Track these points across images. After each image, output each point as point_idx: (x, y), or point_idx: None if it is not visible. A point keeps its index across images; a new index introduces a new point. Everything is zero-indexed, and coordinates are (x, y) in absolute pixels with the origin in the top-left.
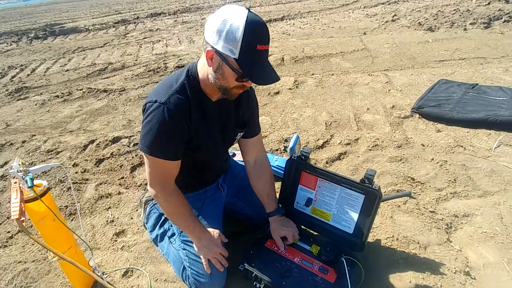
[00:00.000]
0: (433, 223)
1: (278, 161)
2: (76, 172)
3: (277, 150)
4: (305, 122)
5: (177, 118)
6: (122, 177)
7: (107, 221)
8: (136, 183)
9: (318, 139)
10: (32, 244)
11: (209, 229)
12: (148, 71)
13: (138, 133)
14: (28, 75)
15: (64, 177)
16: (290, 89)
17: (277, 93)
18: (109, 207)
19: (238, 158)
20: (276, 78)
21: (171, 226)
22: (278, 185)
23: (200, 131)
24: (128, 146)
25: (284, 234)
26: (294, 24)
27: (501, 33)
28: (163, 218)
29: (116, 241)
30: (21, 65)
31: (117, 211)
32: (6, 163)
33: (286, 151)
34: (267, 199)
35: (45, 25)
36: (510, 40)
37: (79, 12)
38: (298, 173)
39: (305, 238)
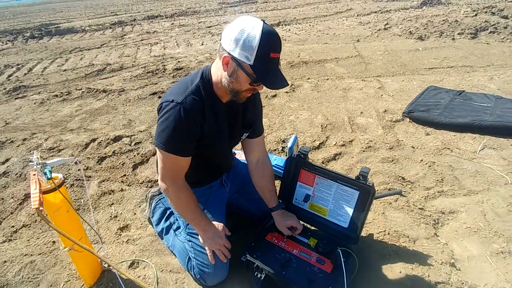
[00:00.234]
0: (422, 219)
1: (277, 160)
2: (79, 170)
3: (275, 150)
4: (302, 124)
5: (192, 118)
6: (124, 175)
7: (110, 216)
8: (138, 181)
9: (315, 140)
10: (37, 238)
11: (214, 222)
12: (147, 72)
13: (139, 133)
14: (25, 74)
15: (67, 174)
16: (287, 92)
17: (275, 96)
18: (112, 203)
19: (237, 157)
20: (286, 83)
21: (176, 220)
22: (277, 183)
23: (211, 130)
24: (130, 145)
25: (290, 224)
26: (290, 30)
27: (487, 43)
28: (168, 212)
29: (120, 235)
30: (18, 64)
31: (120, 207)
32: (7, 160)
33: (284, 151)
34: (269, 195)
35: (40, 24)
36: (495, 50)
37: (74, 13)
38: (297, 171)
39: (303, 231)
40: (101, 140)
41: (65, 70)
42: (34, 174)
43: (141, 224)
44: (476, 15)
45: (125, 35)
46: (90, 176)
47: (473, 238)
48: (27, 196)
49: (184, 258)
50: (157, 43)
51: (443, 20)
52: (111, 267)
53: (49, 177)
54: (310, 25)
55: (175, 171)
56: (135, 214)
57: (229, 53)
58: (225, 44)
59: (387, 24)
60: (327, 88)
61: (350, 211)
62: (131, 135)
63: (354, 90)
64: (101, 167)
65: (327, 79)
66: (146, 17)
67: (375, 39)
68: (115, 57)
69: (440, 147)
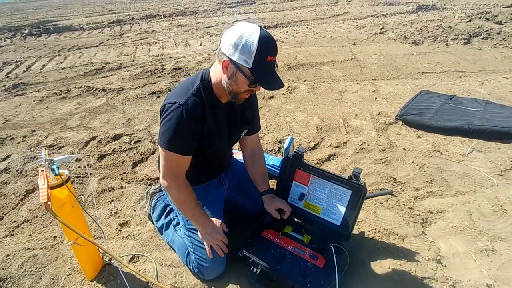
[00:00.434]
0: (411, 218)
1: (273, 160)
2: (79, 167)
3: (271, 150)
4: (298, 125)
5: (193, 118)
6: (124, 172)
7: (110, 212)
8: (138, 178)
9: (310, 141)
10: (39, 233)
11: (212, 219)
12: (146, 72)
13: (138, 132)
14: (24, 71)
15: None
16: (283, 94)
17: (272, 97)
18: (112, 200)
19: (235, 156)
20: (282, 85)
21: (176, 216)
22: (272, 182)
23: (211, 129)
24: (129, 144)
25: (279, 206)
26: (287, 32)
27: (480, 49)
28: (168, 209)
29: (120, 231)
30: (16, 62)
31: (120, 204)
32: (8, 156)
33: (280, 152)
34: (262, 179)
35: (38, 22)
36: (487, 56)
37: (72, 10)
38: (293, 171)
39: (298, 229)
40: (101, 138)
41: (64, 68)
42: (42, 170)
43: (141, 220)
44: (470, 20)
45: (123, 34)
46: (90, 174)
47: (459, 237)
48: (28, 192)
49: (183, 252)
50: (156, 42)
51: (437, 25)
52: (112, 260)
53: (57, 173)
54: (307, 27)
55: (176, 169)
56: (134, 210)
57: (228, 57)
58: (225, 48)
59: (383, 28)
60: (323, 90)
61: (342, 209)
62: (131, 134)
63: (349, 93)
64: (101, 165)
65: (323, 82)
66: (144, 16)
67: (371, 42)
68: (114, 56)
69: (431, 149)
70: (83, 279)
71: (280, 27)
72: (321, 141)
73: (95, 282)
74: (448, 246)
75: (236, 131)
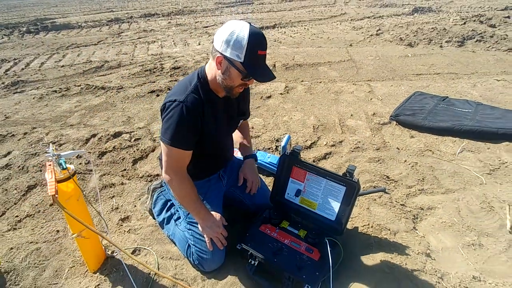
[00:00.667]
0: (403, 214)
1: (271, 158)
2: (80, 164)
3: (269, 148)
4: (295, 124)
5: (193, 114)
6: (125, 169)
7: (112, 208)
8: (138, 175)
9: (307, 140)
10: (42, 227)
11: (212, 213)
12: (145, 70)
13: (138, 129)
14: (23, 69)
15: None
16: (281, 94)
17: (269, 97)
18: (113, 196)
19: (234, 154)
20: (273, 77)
21: (177, 211)
22: (270, 179)
23: (210, 123)
24: (129, 141)
25: (248, 177)
26: (285, 32)
27: (473, 51)
28: (169, 204)
29: (122, 225)
30: (14, 59)
31: (121, 200)
32: (9, 153)
33: (278, 150)
34: (247, 144)
35: (35, 19)
36: (480, 59)
37: (69, 8)
38: (289, 168)
39: (294, 223)
40: (101, 136)
41: (62, 66)
42: (50, 165)
43: (141, 215)
44: (464, 23)
45: (122, 32)
46: (91, 170)
47: (448, 232)
48: (30, 188)
49: (184, 245)
50: (154, 41)
51: (432, 28)
52: (115, 253)
53: (64, 167)
54: (305, 28)
55: (178, 164)
56: (135, 206)
57: (221, 53)
58: (217, 45)
59: (379, 30)
60: (320, 90)
61: (337, 205)
62: (131, 132)
63: (345, 93)
64: (102, 162)
65: (320, 82)
66: (142, 15)
67: (367, 44)
68: (113, 55)
69: (423, 149)
70: (86, 271)
71: (278, 27)
72: (318, 140)
73: (98, 274)
74: (438, 241)
75: (233, 123)
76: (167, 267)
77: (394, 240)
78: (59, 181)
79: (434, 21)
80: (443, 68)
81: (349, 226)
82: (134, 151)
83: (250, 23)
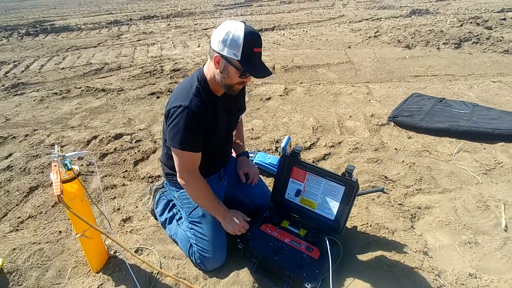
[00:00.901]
0: (401, 213)
1: (271, 159)
2: (82, 165)
3: (269, 150)
4: (294, 126)
5: (199, 117)
6: (126, 171)
7: (113, 209)
8: (140, 176)
9: (306, 141)
10: (44, 228)
11: (232, 211)
12: (145, 73)
13: (139, 131)
14: (23, 71)
15: None
16: (280, 95)
17: (269, 99)
18: (115, 197)
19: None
20: (269, 73)
21: (179, 211)
22: (270, 180)
23: (213, 124)
24: (130, 143)
25: (247, 171)
26: (284, 34)
27: (470, 53)
28: (171, 204)
29: (124, 226)
30: (14, 61)
31: (122, 201)
32: (10, 154)
33: (278, 151)
34: (240, 142)
35: (34, 21)
36: (476, 60)
37: (68, 10)
38: (290, 168)
39: (294, 223)
40: (103, 138)
41: (62, 68)
42: (55, 165)
43: (143, 216)
44: (461, 25)
45: (121, 34)
46: (93, 171)
47: (445, 230)
48: (32, 189)
49: (186, 245)
50: (154, 43)
51: (430, 30)
52: (118, 253)
53: (70, 167)
54: (303, 30)
55: (191, 166)
56: (137, 207)
57: (219, 53)
58: (215, 45)
59: (377, 32)
60: (319, 92)
61: (336, 204)
62: (132, 133)
63: (344, 95)
64: (103, 163)
65: (319, 84)
66: (142, 17)
67: (365, 46)
68: (113, 57)
69: (420, 149)
70: (89, 271)
71: (277, 29)
72: (317, 141)
73: (100, 273)
74: (435, 239)
75: (233, 119)
76: (170, 266)
77: (392, 238)
78: (64, 182)
79: (431, 23)
80: (440, 70)
81: (348, 225)
82: (135, 153)
83: (244, 23)
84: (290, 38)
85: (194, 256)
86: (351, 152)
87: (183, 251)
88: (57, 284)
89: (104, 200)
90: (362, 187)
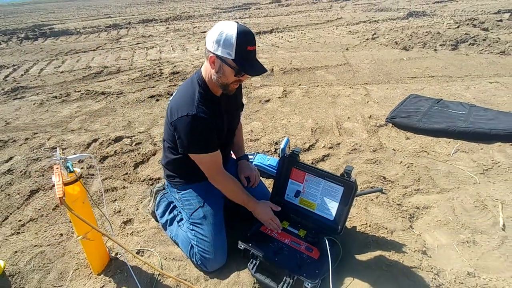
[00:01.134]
0: (399, 213)
1: (270, 160)
2: (82, 168)
3: (268, 151)
4: (293, 127)
5: (208, 120)
6: (126, 173)
7: (114, 211)
8: (140, 179)
9: (305, 142)
10: (45, 231)
11: (261, 201)
12: (144, 76)
13: (139, 134)
14: (22, 75)
15: None
16: (279, 97)
17: (268, 101)
18: (115, 199)
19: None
20: (264, 70)
21: (180, 212)
22: (270, 181)
23: (219, 125)
24: (130, 145)
25: (248, 174)
26: (282, 37)
27: (466, 54)
28: (172, 205)
29: (124, 228)
30: (13, 65)
31: (123, 203)
32: (11, 158)
33: (277, 152)
34: (241, 146)
35: (33, 25)
36: (473, 61)
37: (67, 14)
38: (289, 169)
39: (294, 224)
40: (103, 140)
41: (62, 72)
42: (57, 168)
43: (144, 218)
44: (458, 27)
45: (120, 38)
46: (93, 174)
47: (443, 230)
48: (33, 192)
49: (186, 246)
50: (153, 47)
51: (427, 31)
52: (119, 255)
53: (72, 170)
54: (302, 33)
55: (217, 164)
56: (137, 209)
57: (213, 53)
58: (209, 46)
59: (375, 34)
60: (317, 94)
61: (335, 205)
62: (131, 136)
63: (342, 97)
64: (104, 166)
65: (317, 86)
66: (140, 21)
67: (363, 48)
68: (112, 60)
69: (418, 150)
70: (90, 273)
71: (275, 32)
72: (316, 143)
73: (102, 275)
74: (433, 239)
75: (234, 117)
76: (171, 267)
77: (391, 238)
78: (66, 184)
79: (428, 25)
80: (437, 71)
81: (348, 225)
82: (135, 155)
83: (237, 22)
84: (288, 41)
85: (195, 257)
86: (349, 153)
87: (184, 252)
88: (59, 286)
89: (105, 203)
90: (361, 188)
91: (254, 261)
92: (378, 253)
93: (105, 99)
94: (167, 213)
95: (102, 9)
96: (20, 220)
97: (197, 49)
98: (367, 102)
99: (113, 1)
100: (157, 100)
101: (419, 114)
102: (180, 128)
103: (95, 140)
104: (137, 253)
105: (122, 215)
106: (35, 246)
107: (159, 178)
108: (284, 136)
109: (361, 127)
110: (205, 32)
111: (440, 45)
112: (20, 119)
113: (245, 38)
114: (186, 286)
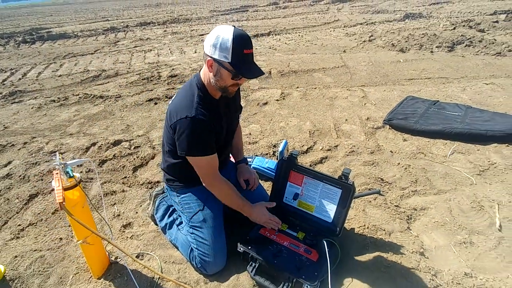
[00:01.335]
0: (397, 215)
1: (269, 163)
2: (81, 172)
3: (267, 154)
4: (291, 130)
5: (207, 123)
6: (125, 177)
7: (113, 215)
8: (139, 182)
9: (303, 145)
10: (44, 236)
11: (257, 203)
12: (142, 79)
13: (138, 137)
14: (20, 79)
15: None
16: (277, 100)
17: (266, 103)
18: (115, 203)
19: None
20: (261, 73)
21: (179, 216)
22: (268, 184)
23: (217, 128)
24: (129, 149)
25: (247, 178)
26: (280, 39)
27: (462, 56)
28: (171, 209)
29: (124, 232)
30: (11, 69)
31: (122, 207)
32: (9, 162)
33: (275, 155)
34: (240, 149)
35: (31, 29)
36: (469, 63)
37: (64, 17)
38: (287, 172)
39: (293, 226)
40: (101, 144)
41: (60, 75)
42: (57, 173)
43: (143, 221)
44: (454, 28)
45: (118, 41)
46: (92, 178)
47: (440, 231)
48: (32, 197)
49: (186, 249)
50: (151, 50)
51: (423, 33)
52: (119, 259)
53: (71, 175)
54: (299, 35)
55: (214, 169)
56: (136, 213)
57: (211, 57)
58: (207, 50)
59: (372, 36)
60: (315, 96)
61: (334, 207)
62: (130, 140)
63: (340, 99)
64: (102, 170)
65: (315, 88)
66: (138, 24)
67: (360, 50)
68: (110, 63)
69: (415, 151)
70: (90, 277)
71: (272, 34)
72: (314, 145)
73: (102, 279)
74: (431, 240)
75: (233, 119)
76: (170, 271)
77: (389, 240)
78: (65, 189)
79: (424, 26)
80: (434, 73)
81: (346, 227)
82: (134, 159)
83: (234, 26)
84: (286, 43)
85: (195, 260)
86: (347, 155)
87: (184, 255)
88: None
89: (104, 206)
90: (359, 190)
91: (254, 264)
92: (376, 254)
93: (103, 102)
94: (166, 216)
95: (99, 12)
96: (19, 225)
97: (195, 52)
98: (365, 104)
99: (111, 4)
100: (156, 103)
101: (416, 116)
102: (179, 130)
103: (93, 144)
104: (137, 256)
105: (121, 218)
106: (35, 250)
107: (158, 182)
108: (282, 139)
109: (359, 129)
110: (202, 35)
111: (436, 46)
112: (18, 123)
113: (241, 42)
114: None
